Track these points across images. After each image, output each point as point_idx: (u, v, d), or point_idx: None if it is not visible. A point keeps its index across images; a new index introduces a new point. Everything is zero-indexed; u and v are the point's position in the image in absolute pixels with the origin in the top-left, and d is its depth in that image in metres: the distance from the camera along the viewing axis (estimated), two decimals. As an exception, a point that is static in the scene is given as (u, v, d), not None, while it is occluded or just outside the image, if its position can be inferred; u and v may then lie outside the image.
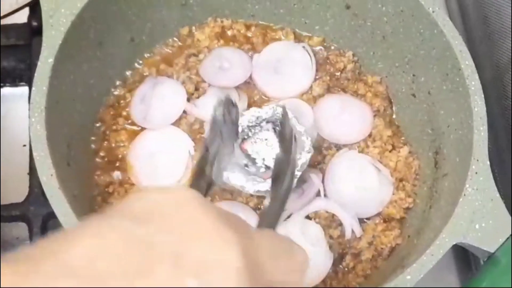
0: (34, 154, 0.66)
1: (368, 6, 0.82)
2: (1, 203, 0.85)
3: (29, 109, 0.86)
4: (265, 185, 0.76)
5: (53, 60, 0.70)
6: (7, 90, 0.97)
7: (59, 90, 0.71)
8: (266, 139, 0.79)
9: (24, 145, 0.93)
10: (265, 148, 0.78)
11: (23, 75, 0.95)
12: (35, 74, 0.69)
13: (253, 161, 0.78)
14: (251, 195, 0.79)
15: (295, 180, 0.76)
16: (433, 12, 0.75)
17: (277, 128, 0.79)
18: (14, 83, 0.96)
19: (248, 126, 0.79)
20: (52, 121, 0.68)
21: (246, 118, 0.79)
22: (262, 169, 0.77)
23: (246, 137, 0.79)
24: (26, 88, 0.95)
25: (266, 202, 0.76)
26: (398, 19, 0.80)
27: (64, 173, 0.68)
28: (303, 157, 0.77)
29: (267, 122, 0.80)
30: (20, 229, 0.86)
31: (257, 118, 0.79)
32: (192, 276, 0.33)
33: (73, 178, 0.72)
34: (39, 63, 0.69)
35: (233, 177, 0.76)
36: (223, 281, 0.34)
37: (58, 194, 0.64)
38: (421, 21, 0.77)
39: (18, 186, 0.89)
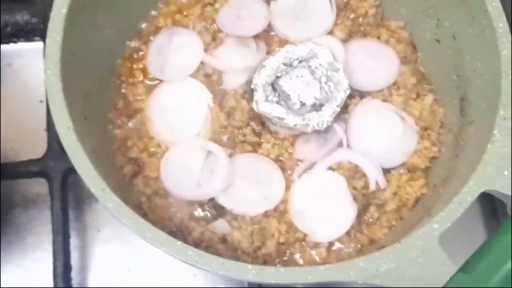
0: (51, 107, 0.64)
1: None
2: (20, 160, 0.84)
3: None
4: (304, 120, 0.76)
5: (67, 10, 0.68)
6: (21, 46, 0.96)
7: (74, 41, 0.69)
8: (301, 76, 0.77)
9: (41, 101, 0.92)
10: (301, 85, 0.77)
11: (36, 30, 0.94)
12: (49, 25, 0.67)
13: (288, 97, 0.76)
14: (272, 146, 0.78)
15: (330, 119, 0.76)
16: (460, -48, 0.72)
17: (312, 65, 0.78)
18: (28, 39, 0.94)
19: (283, 64, 0.78)
20: (67, 73, 0.67)
21: (281, 55, 0.78)
22: (297, 106, 0.76)
23: (281, 74, 0.78)
24: (41, 43, 0.93)
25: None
26: (421, -40, 0.77)
27: (81, 126, 0.67)
28: (341, 94, 0.77)
29: (301, 60, 0.78)
30: (40, 185, 0.85)
31: (292, 55, 0.78)
32: None
33: (90, 131, 0.70)
34: (52, 13, 0.68)
35: (273, 108, 0.76)
36: None
37: (76, 147, 0.63)
38: (445, -36, 0.74)
39: (36, 143, 0.89)
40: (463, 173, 0.68)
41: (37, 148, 0.86)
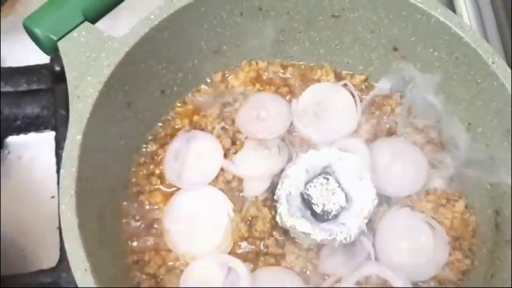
0: (66, 246, 0.61)
1: (418, 49, 0.76)
2: (31, 269, 0.81)
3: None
4: (331, 235, 0.71)
5: (81, 136, 0.64)
6: (31, 137, 0.92)
7: (89, 164, 0.66)
8: (326, 183, 0.74)
9: (52, 197, 0.88)
10: (325, 193, 0.74)
11: (47, 123, 0.90)
12: (63, 154, 0.64)
13: (311, 205, 0.74)
14: (296, 258, 0.74)
15: (357, 232, 0.72)
16: (493, 63, 0.69)
17: (336, 172, 0.75)
18: (38, 130, 0.91)
19: (307, 171, 0.74)
20: (82, 203, 0.63)
21: (304, 162, 0.75)
22: (320, 212, 0.73)
23: (305, 182, 0.75)
24: (50, 134, 0.90)
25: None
26: (451, 65, 0.73)
27: (97, 255, 0.63)
28: (368, 205, 0.73)
29: (326, 166, 0.75)
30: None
31: (316, 162, 0.75)
32: None
33: (107, 257, 0.67)
34: (66, 141, 0.64)
35: (298, 223, 0.71)
36: None
37: (93, 290, 0.59)
38: (478, 71, 0.71)
39: (48, 244, 0.85)
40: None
41: (49, 251, 0.82)
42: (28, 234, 0.87)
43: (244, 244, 0.75)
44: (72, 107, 0.65)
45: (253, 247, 0.75)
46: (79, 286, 0.60)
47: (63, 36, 0.69)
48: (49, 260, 0.82)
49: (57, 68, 0.87)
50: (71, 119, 0.65)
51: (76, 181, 0.63)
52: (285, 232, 0.75)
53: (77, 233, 0.61)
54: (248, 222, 0.75)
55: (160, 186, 0.78)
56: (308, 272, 0.74)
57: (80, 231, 0.61)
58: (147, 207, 0.77)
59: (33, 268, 0.82)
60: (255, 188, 0.77)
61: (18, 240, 0.86)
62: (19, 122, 0.89)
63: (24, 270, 0.81)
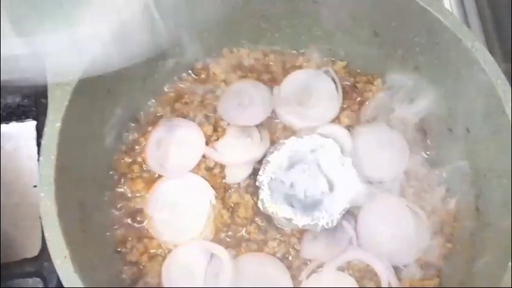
0: (46, 234, 0.61)
1: (399, 35, 0.76)
2: (14, 258, 0.80)
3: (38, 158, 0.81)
4: (313, 220, 0.72)
5: (61, 123, 0.64)
6: (13, 127, 0.91)
7: (69, 152, 0.65)
8: (308, 169, 0.75)
9: (35, 186, 0.88)
10: (307, 178, 0.75)
11: (28, 112, 0.89)
12: (42, 142, 0.63)
13: (293, 190, 0.74)
14: (278, 244, 0.74)
15: (339, 217, 0.73)
16: (472, 47, 0.69)
17: (318, 159, 0.75)
18: (20, 120, 0.90)
19: (289, 157, 0.75)
20: (62, 191, 0.63)
21: (286, 149, 0.75)
22: (302, 198, 0.74)
23: (287, 168, 0.75)
24: (32, 123, 0.89)
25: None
26: (432, 51, 0.73)
27: (78, 243, 0.63)
28: (350, 191, 0.74)
29: (307, 152, 0.76)
30: (35, 281, 0.81)
31: (298, 149, 0.76)
32: None
33: (88, 245, 0.67)
34: (45, 129, 0.64)
35: (280, 209, 0.72)
36: None
37: (73, 278, 0.59)
38: (459, 57, 0.70)
39: (31, 234, 0.84)
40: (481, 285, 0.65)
41: (32, 240, 0.82)
42: (11, 224, 0.86)
43: (226, 230, 0.75)
44: (51, 94, 0.65)
45: (235, 233, 0.75)
46: (58, 273, 0.60)
47: (42, 23, 0.68)
48: (32, 249, 0.81)
49: (38, 57, 0.86)
50: (50, 106, 0.65)
51: (55, 169, 0.63)
52: (268, 218, 0.76)
53: (57, 221, 0.61)
54: (230, 209, 0.76)
55: (142, 174, 0.78)
56: (290, 258, 0.75)
57: (60, 219, 0.61)
58: (129, 195, 0.77)
59: (17, 257, 0.81)
60: (237, 175, 0.77)
61: (1, 229, 0.86)
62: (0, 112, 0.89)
63: (8, 259, 0.81)
